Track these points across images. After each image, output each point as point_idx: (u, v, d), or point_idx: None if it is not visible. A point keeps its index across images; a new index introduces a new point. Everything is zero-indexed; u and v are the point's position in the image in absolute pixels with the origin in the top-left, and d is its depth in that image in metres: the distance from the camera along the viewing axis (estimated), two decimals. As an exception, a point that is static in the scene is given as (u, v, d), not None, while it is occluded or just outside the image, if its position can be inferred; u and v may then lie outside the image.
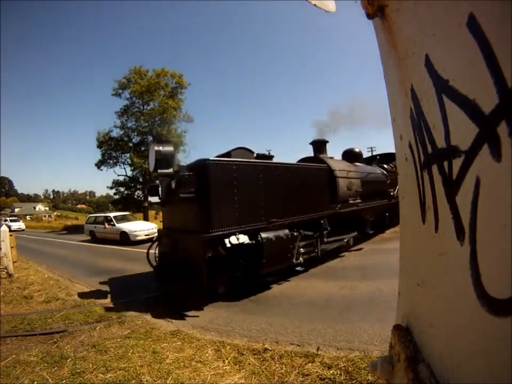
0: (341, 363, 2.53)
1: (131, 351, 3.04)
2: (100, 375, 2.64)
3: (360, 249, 7.56)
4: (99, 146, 23.79)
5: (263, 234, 4.68)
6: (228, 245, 4.23)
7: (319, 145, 8.30)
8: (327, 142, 8.46)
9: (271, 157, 6.45)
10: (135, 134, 24.51)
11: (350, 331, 3.15)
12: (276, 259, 4.89)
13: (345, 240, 7.09)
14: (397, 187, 10.32)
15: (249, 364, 2.73)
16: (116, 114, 24.29)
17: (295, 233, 5.30)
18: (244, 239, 4.43)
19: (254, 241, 4.55)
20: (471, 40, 0.40)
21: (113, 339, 3.38)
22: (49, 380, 2.60)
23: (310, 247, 5.87)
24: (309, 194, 5.94)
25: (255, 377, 2.52)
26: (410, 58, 0.65)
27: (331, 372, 2.44)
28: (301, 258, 5.46)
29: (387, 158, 11.91)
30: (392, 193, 10.21)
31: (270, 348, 2.96)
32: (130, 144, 24.20)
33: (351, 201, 7.57)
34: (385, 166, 11.02)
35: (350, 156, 9.52)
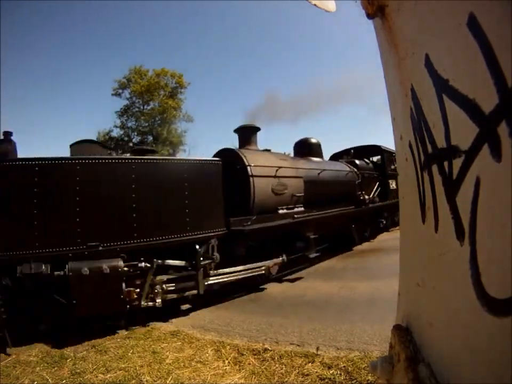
0: (341, 363, 2.53)
1: (131, 351, 3.04)
2: (100, 375, 2.64)
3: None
4: (99, 146, 23.80)
5: (72, 264, 3.32)
6: (18, 275, 3.16)
7: (246, 133, 6.26)
8: (258, 129, 6.44)
9: (152, 151, 4.86)
10: (135, 134, 24.56)
11: (350, 331, 3.15)
12: (97, 301, 3.42)
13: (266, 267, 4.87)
14: (374, 189, 8.65)
15: (249, 364, 2.73)
16: (116, 114, 24.37)
17: (141, 264, 3.67)
18: (42, 267, 3.23)
19: (62, 273, 3.31)
20: (471, 40, 0.40)
21: (113, 339, 3.38)
22: (49, 380, 2.60)
23: (184, 282, 4.10)
24: (178, 205, 4.01)
25: (255, 377, 2.52)
26: (410, 58, 0.65)
27: (331, 372, 2.43)
28: (158, 299, 3.78)
29: (363, 151, 9.74)
30: (363, 198, 7.73)
31: (270, 348, 2.96)
32: (131, 144, 24.21)
33: (283, 211, 5.47)
34: (357, 162, 8.60)
35: (303, 148, 7.52)
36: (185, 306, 4.37)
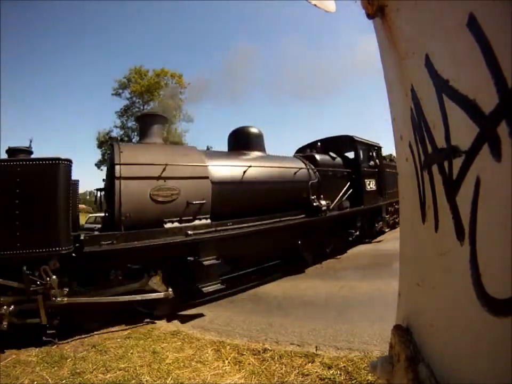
0: (341, 363, 2.53)
1: (131, 351, 3.04)
2: (100, 375, 2.64)
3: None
4: (99, 146, 23.87)
5: None
6: None
7: (147, 124, 5.07)
8: (164, 119, 5.42)
9: (26, 152, 3.95)
10: (135, 134, 24.56)
11: (350, 331, 3.15)
12: None
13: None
14: (343, 192, 6.73)
15: (249, 364, 2.73)
16: (116, 114, 24.40)
17: None
18: None
19: None
20: (471, 40, 0.40)
21: (113, 339, 3.38)
22: (49, 380, 2.60)
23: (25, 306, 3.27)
24: (7, 216, 3.28)
25: (255, 377, 2.51)
26: (410, 58, 0.65)
27: (331, 372, 2.43)
28: (4, 322, 3.12)
29: (333, 144, 7.80)
30: (317, 203, 5.82)
31: (270, 348, 2.96)
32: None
33: (171, 225, 4.13)
34: (317, 156, 6.71)
35: (238, 140, 5.98)
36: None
